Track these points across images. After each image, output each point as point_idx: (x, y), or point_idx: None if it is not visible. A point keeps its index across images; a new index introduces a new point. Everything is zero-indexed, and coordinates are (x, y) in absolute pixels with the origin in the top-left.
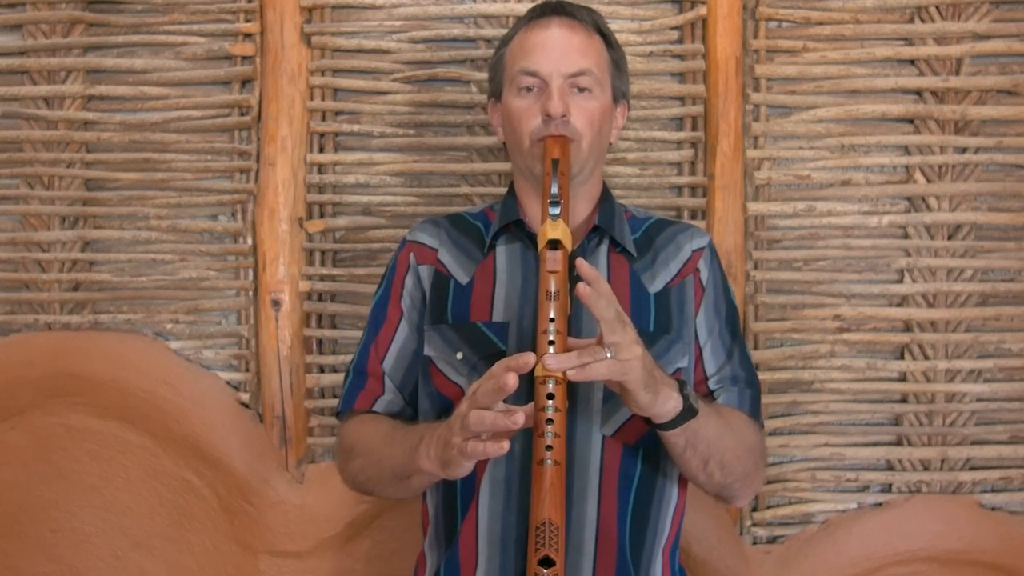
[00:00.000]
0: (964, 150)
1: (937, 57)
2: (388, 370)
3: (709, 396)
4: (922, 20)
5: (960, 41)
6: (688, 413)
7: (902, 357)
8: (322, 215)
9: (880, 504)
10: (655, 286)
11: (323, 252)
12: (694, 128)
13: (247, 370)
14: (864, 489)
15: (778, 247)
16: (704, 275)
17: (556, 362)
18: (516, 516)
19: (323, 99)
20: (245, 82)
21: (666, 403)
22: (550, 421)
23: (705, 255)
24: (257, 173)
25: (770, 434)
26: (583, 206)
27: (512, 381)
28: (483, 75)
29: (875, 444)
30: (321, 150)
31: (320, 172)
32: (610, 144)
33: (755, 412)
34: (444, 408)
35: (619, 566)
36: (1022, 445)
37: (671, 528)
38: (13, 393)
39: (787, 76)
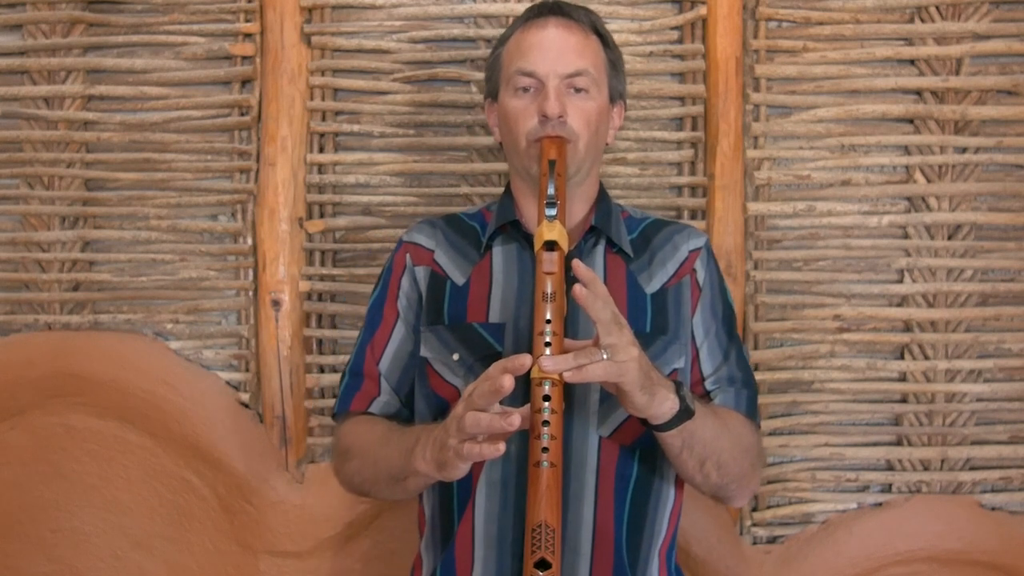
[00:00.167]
0: (964, 150)
1: (937, 57)
2: (384, 371)
3: (706, 397)
4: (922, 20)
5: (960, 41)
6: (684, 414)
7: (902, 357)
8: (322, 215)
9: (880, 504)
10: (652, 287)
11: (323, 252)
12: (694, 128)
13: (247, 370)
14: (864, 489)
15: (778, 247)
16: (701, 275)
17: (552, 364)
18: (512, 518)
19: (323, 99)
20: (245, 82)
21: (662, 404)
22: (546, 423)
23: (702, 255)
24: (257, 173)
25: (770, 434)
26: (580, 207)
27: (508, 383)
28: (483, 75)
29: (875, 444)
30: (321, 150)
31: (320, 172)
32: (607, 144)
33: (752, 413)
34: (440, 409)
35: (616, 567)
36: (1022, 445)
37: (668, 529)
38: (13, 393)
39: (787, 76)
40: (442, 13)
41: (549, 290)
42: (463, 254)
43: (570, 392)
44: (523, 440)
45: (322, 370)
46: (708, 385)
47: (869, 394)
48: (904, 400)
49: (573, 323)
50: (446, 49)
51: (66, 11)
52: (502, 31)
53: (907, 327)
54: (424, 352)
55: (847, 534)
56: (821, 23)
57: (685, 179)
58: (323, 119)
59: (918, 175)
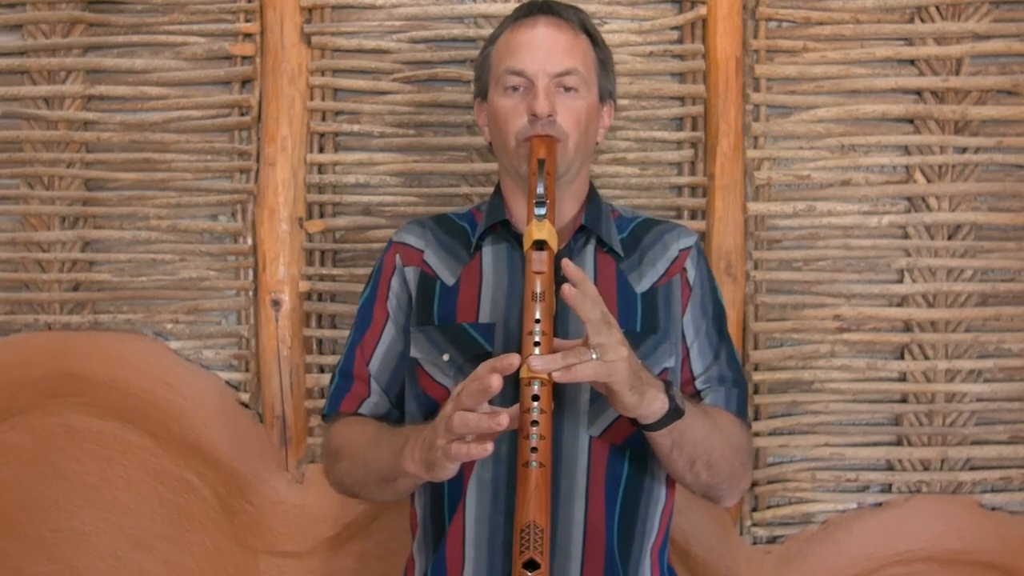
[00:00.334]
0: (964, 150)
1: (937, 57)
2: (374, 372)
3: (696, 396)
4: (922, 20)
5: (960, 41)
6: (674, 414)
7: (902, 357)
8: (322, 215)
9: (880, 504)
10: (642, 286)
11: (323, 252)
12: (694, 128)
13: (247, 370)
14: (864, 489)
15: (778, 247)
16: (691, 275)
17: (541, 363)
18: (503, 518)
19: (323, 99)
20: (245, 82)
21: (652, 404)
22: (535, 423)
23: (692, 254)
24: (257, 173)
25: (770, 434)
26: (570, 206)
27: (496, 383)
28: None
29: (875, 444)
30: (321, 150)
31: (320, 172)
32: (597, 143)
33: (742, 412)
34: (431, 410)
35: (607, 567)
36: (1022, 445)
37: (659, 528)
38: (13, 393)
39: (787, 76)
40: (442, 13)
41: (538, 290)
42: (453, 254)
43: (560, 392)
44: (514, 440)
45: (322, 370)
46: (698, 384)
47: (869, 394)
48: (904, 400)
49: (563, 323)
50: (446, 49)
51: (66, 11)
52: None
53: (907, 327)
54: (414, 353)
55: (847, 534)
56: (821, 23)
57: (685, 179)
58: (323, 119)
59: (918, 175)
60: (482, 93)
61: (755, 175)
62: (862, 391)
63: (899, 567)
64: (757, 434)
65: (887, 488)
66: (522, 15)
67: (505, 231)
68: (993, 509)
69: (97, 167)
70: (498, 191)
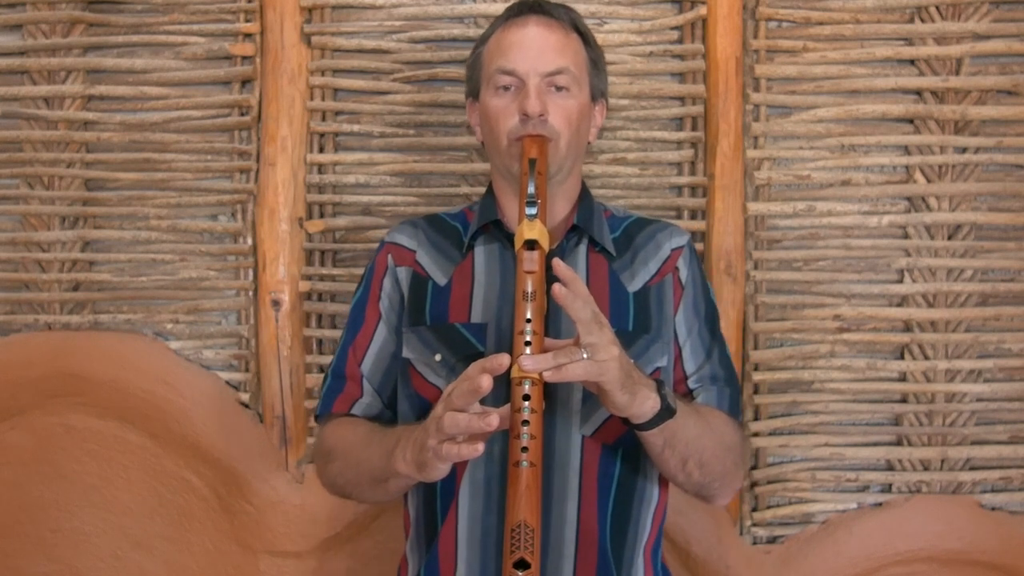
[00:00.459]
0: (964, 150)
1: (937, 57)
2: (366, 373)
3: (688, 395)
4: (922, 20)
5: (960, 41)
6: (666, 413)
7: (902, 357)
8: (322, 215)
9: (880, 504)
10: (634, 285)
11: (323, 252)
12: (694, 128)
13: (247, 370)
14: (864, 489)
15: (778, 247)
16: (683, 274)
17: (532, 363)
18: (496, 518)
19: (323, 99)
20: (245, 82)
21: (644, 403)
22: (526, 423)
23: (684, 254)
24: (257, 173)
25: (770, 434)
26: (562, 205)
27: (486, 383)
28: None
29: (875, 444)
30: (321, 150)
31: (320, 172)
32: (589, 143)
33: (735, 411)
34: (423, 410)
35: (600, 566)
36: (1022, 445)
37: (652, 527)
38: (13, 393)
39: (787, 76)
40: (442, 13)
41: (530, 289)
42: (445, 254)
43: (553, 392)
44: (507, 441)
45: (322, 370)
46: (691, 383)
47: (869, 394)
48: (904, 400)
49: (555, 322)
50: (446, 49)
51: (66, 11)
52: None
53: (907, 327)
54: (406, 353)
55: (847, 534)
56: (821, 23)
57: (685, 179)
58: (323, 119)
59: (918, 175)
60: (474, 93)
61: (755, 175)
62: (862, 391)
63: (899, 567)
64: (757, 434)
65: (887, 488)
66: (513, 15)
67: (497, 231)
68: (993, 509)
69: (97, 167)
70: (490, 191)
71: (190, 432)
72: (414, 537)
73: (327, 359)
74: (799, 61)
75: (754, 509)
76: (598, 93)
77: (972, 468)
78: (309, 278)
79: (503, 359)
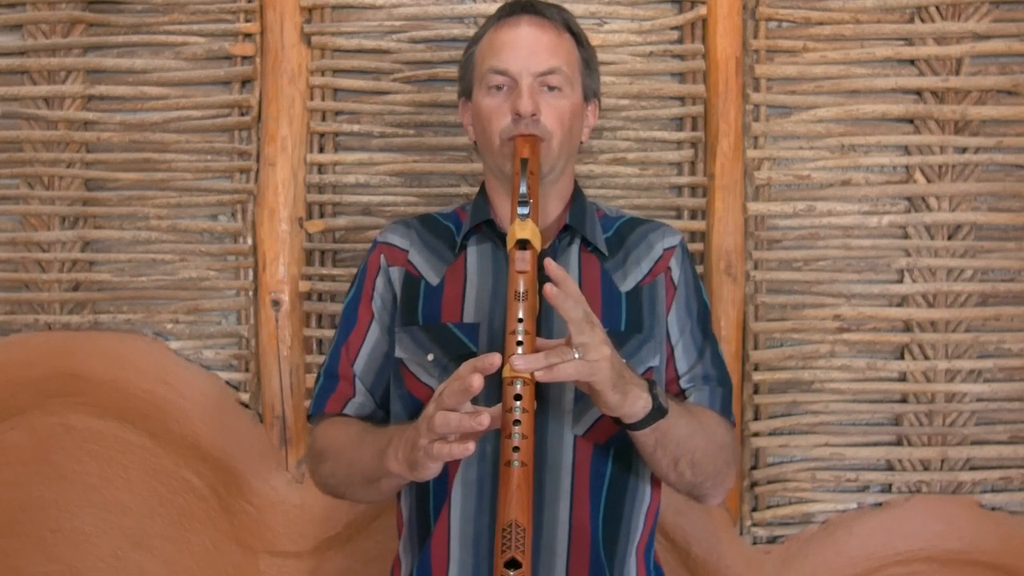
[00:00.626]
0: (964, 150)
1: (937, 57)
2: (359, 373)
3: (680, 395)
4: (922, 20)
5: (960, 41)
6: (657, 413)
7: (902, 357)
8: (322, 215)
9: (880, 504)
10: (626, 285)
11: (323, 252)
12: (694, 128)
13: (247, 370)
14: (864, 489)
15: (778, 247)
16: (676, 274)
17: (524, 363)
18: (488, 518)
19: (323, 99)
20: (245, 82)
21: (635, 403)
22: (517, 422)
23: (677, 253)
24: (257, 173)
25: (770, 434)
26: (554, 205)
27: (477, 382)
28: None
29: (875, 444)
30: (321, 150)
31: (320, 172)
32: (582, 143)
33: (727, 411)
34: (416, 410)
35: (592, 566)
36: (1022, 445)
37: (644, 527)
38: (13, 393)
39: (787, 76)
40: (442, 13)
41: (521, 289)
42: (437, 254)
43: (544, 391)
44: (499, 440)
45: None
46: (683, 383)
47: (869, 394)
48: (904, 400)
49: (547, 322)
50: (446, 49)
51: (66, 11)
52: None
53: (907, 327)
54: (399, 353)
55: (847, 534)
56: (821, 23)
57: (685, 179)
58: (323, 119)
59: (918, 175)
60: (466, 92)
61: (755, 175)
62: (862, 391)
63: (899, 567)
64: (757, 434)
65: (887, 488)
66: (505, 14)
67: (490, 231)
68: (993, 509)
69: (97, 167)
70: (483, 191)
71: (190, 432)
72: (407, 537)
73: None
74: (799, 61)
75: (754, 509)
76: (591, 93)
77: (972, 468)
78: (309, 278)
79: (494, 358)
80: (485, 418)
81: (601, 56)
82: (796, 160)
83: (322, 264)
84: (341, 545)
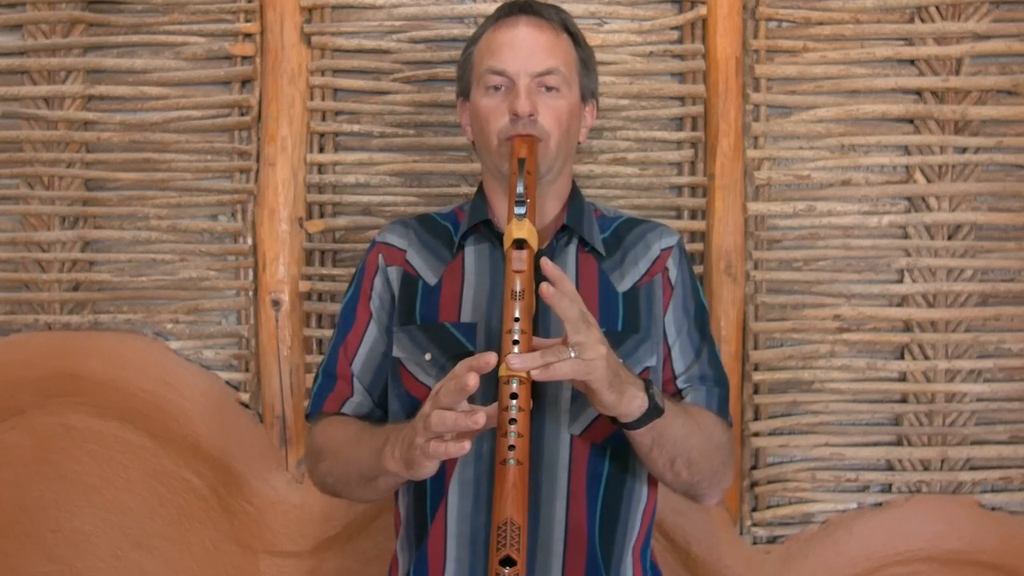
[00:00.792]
0: (964, 150)
1: (937, 57)
2: (357, 372)
3: (677, 395)
4: (922, 20)
5: (960, 41)
6: (654, 412)
7: (902, 357)
8: (322, 215)
9: (880, 504)
10: (624, 285)
11: (323, 252)
12: (694, 128)
13: (247, 370)
14: (864, 489)
15: (778, 247)
16: (673, 274)
17: (520, 362)
18: (485, 517)
19: (323, 99)
20: (245, 82)
21: (631, 402)
22: (513, 421)
23: (674, 254)
24: (257, 173)
25: (770, 434)
26: (552, 205)
27: (473, 381)
28: None
29: (875, 444)
30: (321, 150)
31: (320, 172)
32: (579, 143)
33: (723, 411)
34: (414, 409)
35: (589, 565)
36: (1022, 445)
37: (641, 526)
38: (13, 393)
39: (787, 76)
40: (442, 13)
41: (518, 288)
42: (435, 254)
43: (541, 390)
44: (495, 439)
45: None
46: (680, 383)
47: (869, 394)
48: (904, 400)
49: (544, 322)
50: (446, 49)
51: (66, 11)
52: None
53: (907, 327)
54: (397, 352)
55: (847, 534)
56: (821, 23)
57: (685, 179)
58: (323, 119)
59: (918, 175)
60: (464, 92)
61: (755, 175)
62: (862, 391)
63: (899, 567)
64: (757, 434)
65: (887, 488)
66: (503, 15)
67: (488, 231)
68: (993, 509)
69: (97, 167)
70: (481, 191)
71: (190, 432)
72: (404, 536)
73: None
74: (799, 61)
75: (754, 509)
76: (588, 93)
77: (972, 468)
78: (309, 278)
79: (490, 357)
80: (481, 417)
81: (601, 56)
82: (796, 160)
83: (322, 264)
84: (341, 545)
